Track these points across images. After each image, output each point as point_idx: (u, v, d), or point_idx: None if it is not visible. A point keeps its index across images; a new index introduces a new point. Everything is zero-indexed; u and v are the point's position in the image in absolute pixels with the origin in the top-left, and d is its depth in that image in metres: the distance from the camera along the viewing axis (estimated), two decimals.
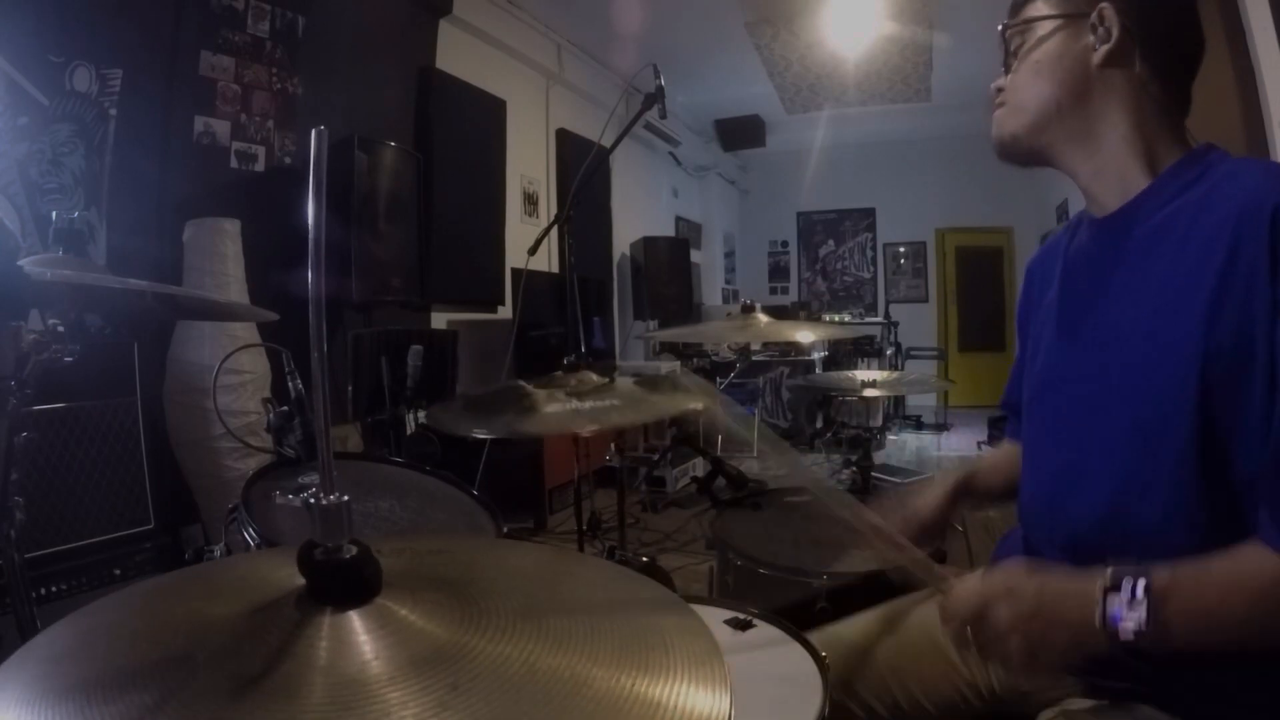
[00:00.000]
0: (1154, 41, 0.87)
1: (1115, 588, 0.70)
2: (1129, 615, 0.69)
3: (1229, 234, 0.75)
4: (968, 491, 1.19)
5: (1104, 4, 0.87)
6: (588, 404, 1.26)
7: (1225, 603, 0.69)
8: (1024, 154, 0.95)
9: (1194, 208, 0.81)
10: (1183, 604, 0.69)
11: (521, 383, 1.45)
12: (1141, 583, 0.69)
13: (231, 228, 2.66)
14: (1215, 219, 0.77)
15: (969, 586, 0.81)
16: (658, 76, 1.80)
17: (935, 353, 7.92)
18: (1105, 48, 0.87)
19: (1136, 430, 0.81)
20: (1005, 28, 0.96)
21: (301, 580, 0.50)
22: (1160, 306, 0.80)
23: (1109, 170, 0.89)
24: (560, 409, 1.25)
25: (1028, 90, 0.93)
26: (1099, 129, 0.89)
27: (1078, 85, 0.89)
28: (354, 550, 0.49)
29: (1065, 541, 0.91)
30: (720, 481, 2.17)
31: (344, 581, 0.49)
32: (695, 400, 1.36)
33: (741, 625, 1.12)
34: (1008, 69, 0.96)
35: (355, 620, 0.47)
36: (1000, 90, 0.97)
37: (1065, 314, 0.95)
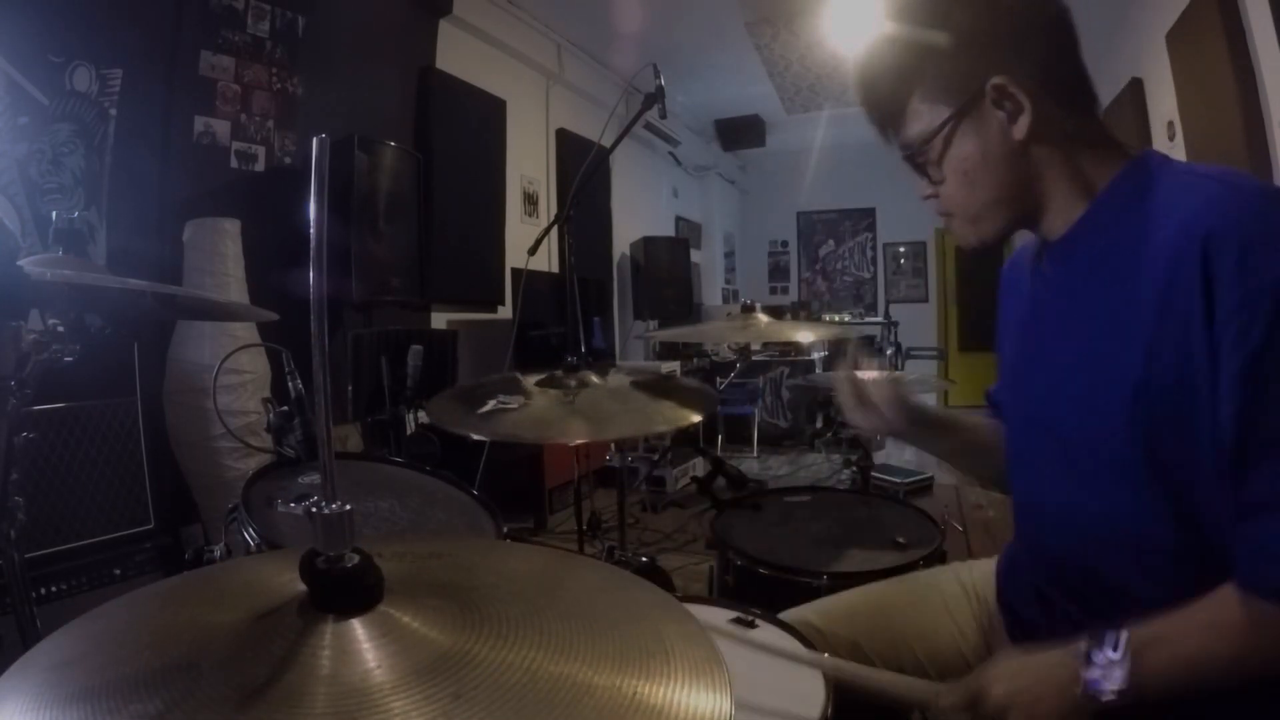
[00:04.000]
0: (1060, 82, 0.82)
1: (1090, 653, 0.72)
2: (1108, 677, 0.71)
3: (1164, 265, 0.72)
4: (949, 429, 1.17)
5: (995, 80, 0.79)
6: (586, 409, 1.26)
7: (1206, 650, 0.70)
8: (999, 243, 0.90)
9: (1135, 231, 0.77)
10: (1163, 655, 0.70)
11: (517, 375, 1.45)
12: (1119, 639, 0.71)
13: (231, 228, 2.66)
14: (1153, 246, 0.74)
15: (963, 681, 0.82)
16: (658, 76, 1.80)
17: (935, 353, 7.91)
18: (1024, 120, 0.80)
19: (1099, 468, 0.81)
20: (906, 155, 0.88)
21: (304, 585, 0.50)
22: (1109, 336, 0.78)
23: (1060, 213, 0.85)
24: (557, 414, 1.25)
25: (969, 201, 0.86)
26: (1044, 189, 0.84)
27: (1015, 170, 0.83)
28: (356, 559, 0.49)
29: (1050, 573, 0.92)
30: (720, 481, 2.17)
31: (346, 590, 0.49)
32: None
33: (743, 625, 1.12)
34: (929, 179, 0.89)
35: (358, 628, 0.47)
36: (934, 197, 0.90)
37: (1026, 338, 0.94)
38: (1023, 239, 0.97)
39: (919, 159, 0.87)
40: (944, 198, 0.88)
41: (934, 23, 0.82)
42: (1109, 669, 0.71)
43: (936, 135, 0.84)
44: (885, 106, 0.88)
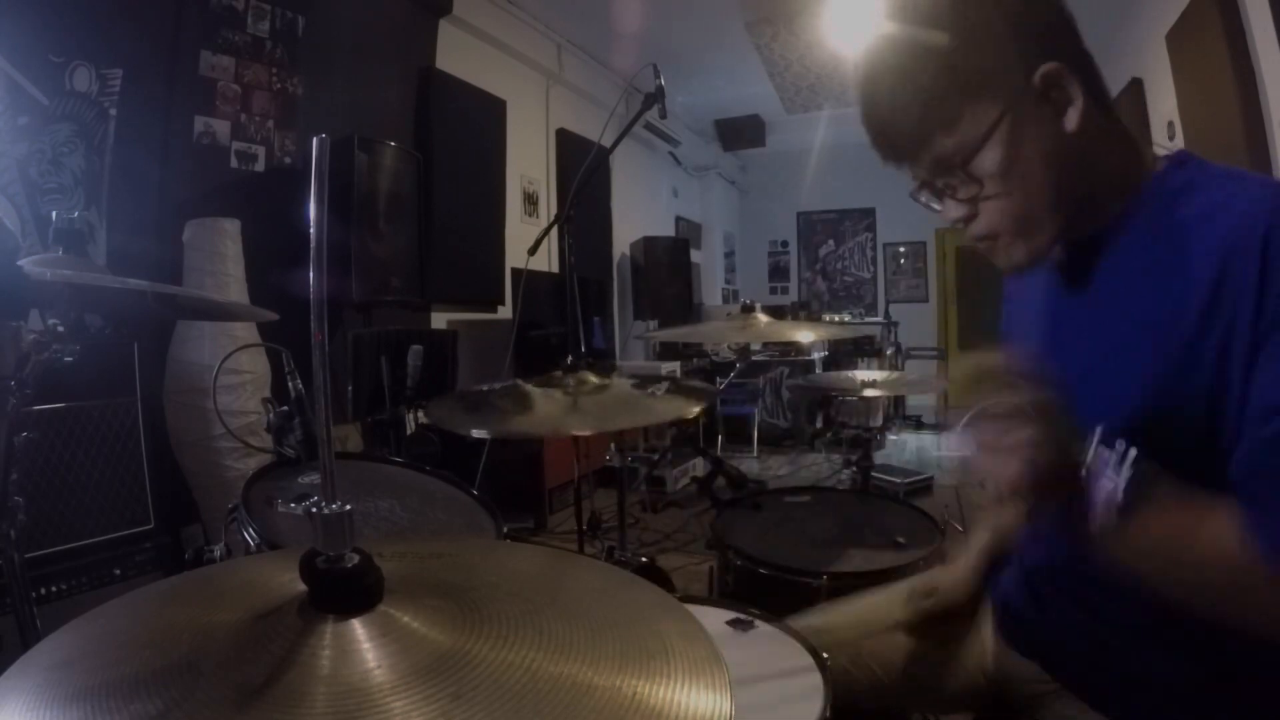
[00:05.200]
0: (1092, 73, 0.78)
1: (1109, 449, 0.71)
2: (1111, 475, 0.70)
3: (1214, 266, 0.69)
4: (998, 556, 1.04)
5: (1046, 68, 0.74)
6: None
7: (1189, 534, 0.68)
8: (1044, 260, 0.83)
9: (1178, 231, 0.74)
10: (1158, 504, 0.69)
11: (519, 381, 1.45)
12: (1133, 452, 0.70)
13: (231, 228, 2.65)
14: (1201, 248, 0.71)
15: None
16: (658, 76, 1.80)
17: (935, 353, 7.91)
18: (1075, 110, 0.74)
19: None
20: (941, 171, 0.79)
21: (304, 585, 0.50)
22: (1147, 330, 0.76)
23: (1093, 211, 0.81)
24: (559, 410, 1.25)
25: (1023, 209, 0.78)
26: (1090, 189, 0.79)
27: (1070, 165, 0.76)
28: (356, 559, 0.49)
29: (1042, 568, 0.92)
30: (720, 481, 2.17)
31: (346, 591, 0.49)
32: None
33: (742, 625, 1.12)
34: (964, 197, 0.80)
35: (358, 628, 0.47)
36: (967, 221, 0.81)
37: (1046, 343, 0.91)
38: None
39: (961, 171, 0.78)
40: (990, 212, 0.79)
41: (958, 23, 0.75)
42: (1120, 474, 0.70)
43: (987, 138, 0.75)
44: (922, 121, 0.78)
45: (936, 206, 0.84)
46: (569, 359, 1.46)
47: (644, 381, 1.45)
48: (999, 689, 1.00)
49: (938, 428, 6.98)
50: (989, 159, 0.76)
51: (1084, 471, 0.70)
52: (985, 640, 1.05)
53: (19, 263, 1.04)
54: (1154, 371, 0.74)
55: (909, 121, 0.78)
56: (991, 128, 0.75)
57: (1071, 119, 0.75)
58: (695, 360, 5.92)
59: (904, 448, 6.32)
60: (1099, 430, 0.72)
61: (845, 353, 6.77)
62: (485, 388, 1.45)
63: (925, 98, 0.76)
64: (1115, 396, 0.77)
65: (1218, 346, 0.69)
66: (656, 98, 1.77)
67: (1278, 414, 0.66)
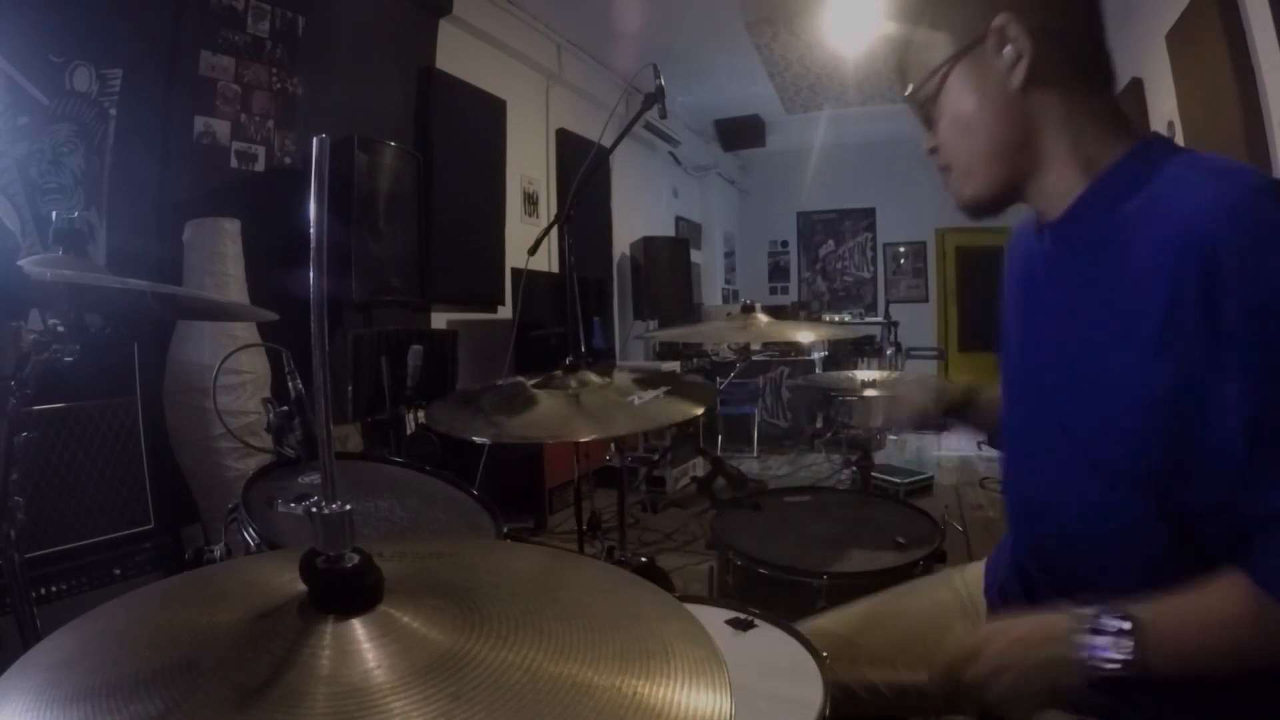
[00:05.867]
0: (1069, 35, 0.79)
1: (1097, 628, 0.72)
2: (1113, 652, 0.70)
3: (1167, 274, 0.69)
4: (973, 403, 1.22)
5: (999, 20, 0.77)
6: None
7: (1204, 636, 0.70)
8: (993, 207, 0.87)
9: (1135, 221, 0.74)
10: (1163, 639, 0.70)
11: (521, 379, 1.45)
12: (1123, 622, 0.71)
13: (231, 228, 2.65)
14: (1155, 244, 0.71)
15: (961, 642, 0.82)
16: (658, 76, 1.80)
17: (935, 353, 7.91)
18: (1022, 65, 0.77)
19: (1090, 464, 0.80)
20: (910, 96, 0.87)
21: (304, 585, 0.50)
22: (1108, 331, 0.77)
23: (1055, 188, 0.83)
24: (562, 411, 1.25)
25: (963, 149, 0.84)
26: (1041, 150, 0.81)
27: (1010, 121, 0.80)
28: (356, 559, 0.49)
29: (1041, 560, 0.92)
30: (720, 481, 2.17)
31: (346, 591, 0.49)
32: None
33: (742, 625, 1.12)
34: (930, 126, 0.88)
35: (358, 628, 0.47)
36: (934, 151, 0.88)
37: (1028, 318, 0.93)
38: (1024, 213, 0.95)
39: (919, 103, 0.86)
40: (944, 146, 0.86)
41: None
42: (1118, 639, 0.70)
43: (935, 74, 0.82)
44: (898, 35, 0.87)
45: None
46: (569, 359, 1.46)
47: (643, 382, 1.45)
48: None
49: (938, 428, 6.96)
50: (938, 97, 0.84)
51: (1082, 642, 0.72)
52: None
53: (19, 263, 1.04)
54: (1123, 368, 0.74)
55: (891, 51, 0.90)
56: (941, 65, 0.82)
57: (1017, 75, 0.78)
58: (695, 360, 5.91)
59: (904, 448, 6.32)
60: (1089, 613, 0.73)
61: (845, 353, 6.77)
62: (486, 388, 1.45)
63: (898, 33, 0.87)
64: (1089, 386, 0.79)
65: (1177, 354, 0.69)
66: (656, 98, 1.77)
67: (1243, 463, 0.67)
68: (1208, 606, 0.70)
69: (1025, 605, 0.94)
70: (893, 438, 6.50)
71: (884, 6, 0.89)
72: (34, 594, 1.52)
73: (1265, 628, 0.68)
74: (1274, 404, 0.66)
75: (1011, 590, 0.98)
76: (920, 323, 8.39)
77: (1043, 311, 0.89)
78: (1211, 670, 0.71)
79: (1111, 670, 0.70)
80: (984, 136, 0.82)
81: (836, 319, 7.86)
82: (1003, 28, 0.77)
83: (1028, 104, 0.79)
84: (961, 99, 0.82)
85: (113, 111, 2.54)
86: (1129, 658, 0.70)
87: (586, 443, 2.29)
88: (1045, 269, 0.89)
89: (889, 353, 7.28)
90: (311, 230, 0.49)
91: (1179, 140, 3.82)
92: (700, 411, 1.36)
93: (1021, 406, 0.95)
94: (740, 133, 7.91)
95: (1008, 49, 0.78)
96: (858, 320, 8.34)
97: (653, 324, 6.26)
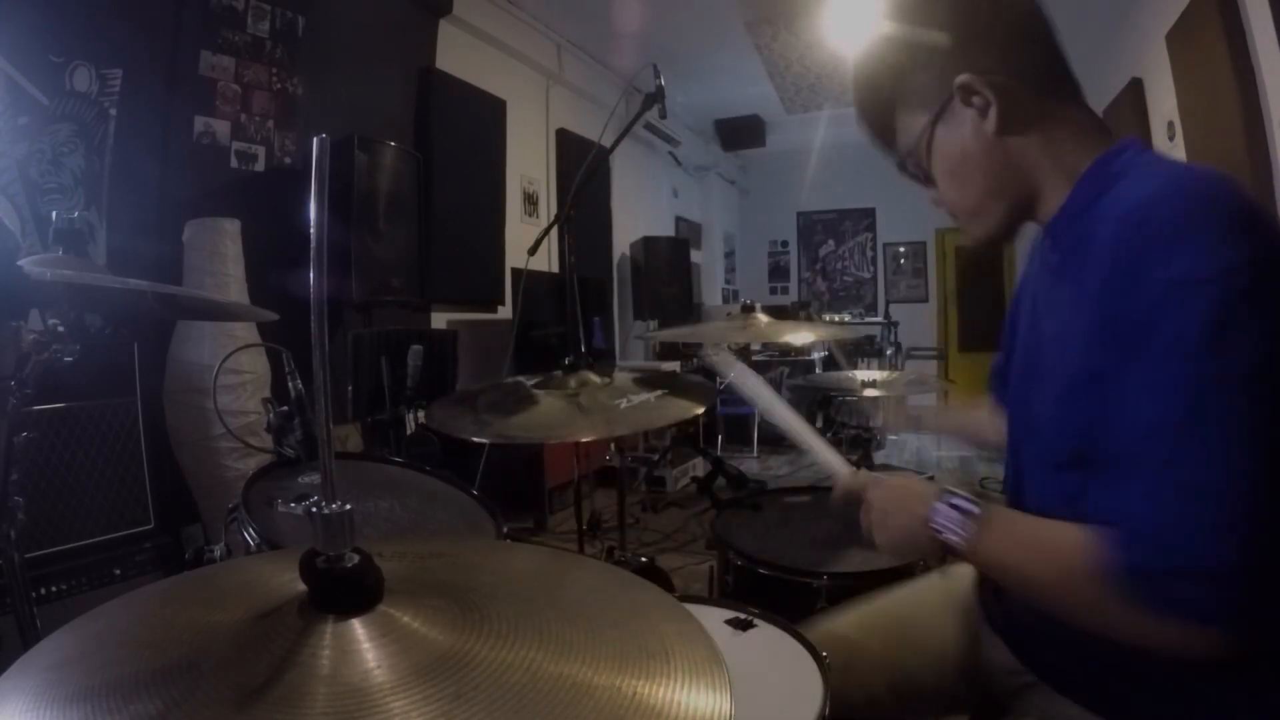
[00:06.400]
0: (1028, 69, 0.83)
1: (951, 504, 0.81)
2: (954, 528, 0.80)
3: (1107, 257, 0.72)
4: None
5: (961, 79, 0.82)
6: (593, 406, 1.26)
7: (1027, 554, 0.77)
8: (1007, 236, 0.91)
9: (1095, 220, 0.77)
10: (997, 538, 0.79)
11: (521, 379, 1.45)
12: (973, 508, 0.80)
13: (231, 228, 2.65)
14: (1104, 235, 0.74)
15: (857, 475, 0.98)
16: (658, 76, 1.80)
17: (935, 353, 7.91)
18: (992, 115, 0.82)
19: (1053, 463, 0.82)
20: (900, 167, 0.94)
21: (304, 585, 0.50)
22: (1063, 326, 0.81)
23: (1052, 200, 0.86)
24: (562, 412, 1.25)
25: (963, 198, 0.89)
26: (1035, 177, 0.85)
27: (996, 163, 0.85)
28: (356, 559, 0.49)
29: None
30: (720, 481, 2.17)
31: (346, 590, 0.49)
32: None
33: (742, 625, 1.12)
34: (929, 183, 0.93)
35: (358, 628, 0.47)
36: (939, 203, 0.94)
37: (1029, 327, 0.95)
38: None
39: (912, 169, 0.92)
40: (945, 199, 0.92)
41: (897, 42, 0.87)
42: (964, 519, 0.80)
43: (919, 143, 0.88)
44: (877, 124, 0.93)
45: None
46: (569, 359, 1.46)
47: (644, 382, 1.45)
48: (982, 686, 1.01)
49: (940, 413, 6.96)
50: (930, 157, 0.89)
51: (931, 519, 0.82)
52: (968, 640, 1.05)
53: (19, 263, 1.04)
54: (1067, 358, 0.78)
55: (873, 128, 0.94)
56: (923, 131, 0.87)
57: (991, 121, 0.83)
58: (695, 360, 5.91)
59: (904, 448, 6.32)
60: (944, 490, 0.83)
61: (845, 352, 6.77)
62: (486, 387, 1.45)
63: (877, 110, 0.92)
64: (1051, 382, 0.82)
65: (1105, 337, 0.71)
66: (656, 98, 1.77)
67: (1133, 435, 0.68)
68: (1046, 535, 0.77)
69: (1016, 603, 0.94)
70: (892, 438, 6.50)
71: (854, 102, 0.95)
72: (34, 594, 1.52)
73: (1076, 583, 0.71)
74: (1173, 391, 0.65)
75: (1006, 592, 0.97)
76: (920, 323, 8.39)
77: (1032, 316, 0.93)
78: (1019, 590, 0.81)
79: (948, 541, 0.80)
80: (978, 181, 0.87)
81: (836, 319, 7.86)
82: (966, 83, 0.82)
83: (1009, 141, 0.84)
84: (948, 154, 0.87)
85: (113, 111, 2.54)
86: (962, 536, 0.79)
87: (586, 443, 2.29)
88: (1040, 274, 0.93)
89: (889, 353, 7.28)
90: (311, 230, 0.49)
91: (1179, 140, 3.82)
92: (700, 411, 1.36)
93: (1012, 407, 0.99)
94: (740, 133, 7.91)
95: (975, 98, 0.83)
96: (858, 320, 8.34)
97: (653, 324, 6.26)
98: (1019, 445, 0.93)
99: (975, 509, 0.80)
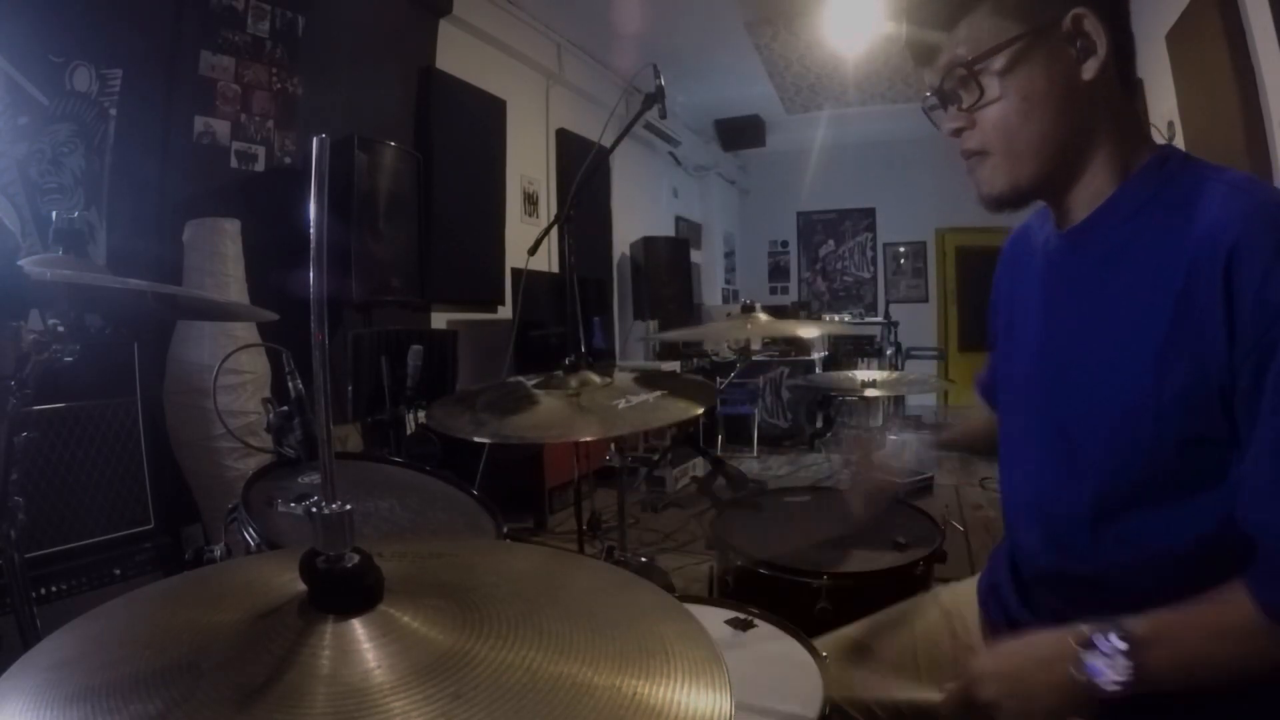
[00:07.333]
0: (1125, 42, 0.80)
1: (1091, 645, 0.71)
2: (1111, 673, 0.69)
3: (1184, 272, 0.70)
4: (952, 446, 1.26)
5: (1078, 10, 0.76)
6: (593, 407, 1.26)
7: (1210, 651, 0.70)
8: (1022, 199, 0.84)
9: (1156, 229, 0.76)
10: (1166, 650, 0.69)
11: (521, 379, 1.45)
12: (1116, 636, 0.70)
13: (231, 228, 2.65)
14: (1173, 250, 0.72)
15: (957, 680, 0.82)
16: (658, 76, 1.80)
17: (935, 353, 7.91)
18: (1094, 61, 0.76)
19: (1092, 470, 0.80)
20: (954, 68, 0.80)
21: (304, 585, 0.50)
22: (1119, 339, 0.77)
23: (1087, 188, 0.82)
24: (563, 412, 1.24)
25: (1018, 132, 0.80)
26: (1090, 152, 0.81)
27: (1073, 114, 0.79)
28: (356, 559, 0.49)
29: (1038, 567, 0.91)
30: (720, 481, 2.17)
31: (346, 590, 0.49)
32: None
33: (742, 625, 1.12)
34: (960, 105, 0.82)
35: (358, 628, 0.47)
36: (967, 129, 0.83)
37: (1048, 327, 0.90)
38: (1026, 214, 0.94)
39: (970, 76, 0.79)
40: (986, 128, 0.81)
41: None
42: (1114, 658, 0.69)
43: (1004, 50, 0.77)
44: (945, 10, 0.81)
45: (941, 119, 0.86)
46: (569, 359, 1.45)
47: (644, 383, 1.44)
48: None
49: (938, 428, 6.97)
50: (998, 70, 0.78)
51: (1078, 660, 0.71)
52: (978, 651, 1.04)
53: (19, 263, 1.04)
54: (1133, 374, 0.74)
55: (938, 8, 0.81)
56: (1010, 40, 0.77)
57: (1090, 68, 0.77)
58: (695, 360, 5.91)
59: (904, 448, 6.31)
60: (1082, 630, 0.72)
61: (845, 353, 6.78)
62: (486, 388, 1.45)
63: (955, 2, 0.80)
64: (1101, 394, 0.79)
65: (1190, 353, 0.70)
66: (656, 98, 1.77)
67: (1261, 459, 0.67)
68: (1211, 618, 0.70)
69: (1022, 614, 0.93)
70: (893, 437, 6.49)
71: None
72: (34, 594, 1.52)
73: (1262, 641, 0.67)
74: None
75: (1008, 599, 0.97)
76: (920, 323, 8.39)
77: (1056, 322, 0.88)
78: (1214, 682, 0.70)
79: (1112, 690, 0.69)
80: (1047, 122, 0.79)
81: (836, 319, 7.86)
82: (1081, 18, 0.76)
83: (1095, 98, 0.79)
84: (1032, 79, 0.78)
85: (113, 111, 2.54)
86: (1128, 678, 0.69)
87: (586, 443, 2.29)
88: (1060, 279, 0.88)
89: (889, 353, 7.28)
90: (311, 230, 0.48)
91: (1179, 141, 3.82)
92: (700, 411, 1.36)
93: (1024, 412, 0.94)
94: (740, 133, 7.91)
95: (1080, 41, 0.77)
96: (858, 320, 8.34)
97: (653, 324, 6.26)
98: (1044, 450, 0.88)
99: (1123, 643, 0.69)
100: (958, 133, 0.84)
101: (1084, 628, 0.72)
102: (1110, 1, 0.79)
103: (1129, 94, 0.82)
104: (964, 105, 0.82)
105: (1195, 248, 0.70)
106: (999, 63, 0.78)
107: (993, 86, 0.79)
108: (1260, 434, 0.67)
